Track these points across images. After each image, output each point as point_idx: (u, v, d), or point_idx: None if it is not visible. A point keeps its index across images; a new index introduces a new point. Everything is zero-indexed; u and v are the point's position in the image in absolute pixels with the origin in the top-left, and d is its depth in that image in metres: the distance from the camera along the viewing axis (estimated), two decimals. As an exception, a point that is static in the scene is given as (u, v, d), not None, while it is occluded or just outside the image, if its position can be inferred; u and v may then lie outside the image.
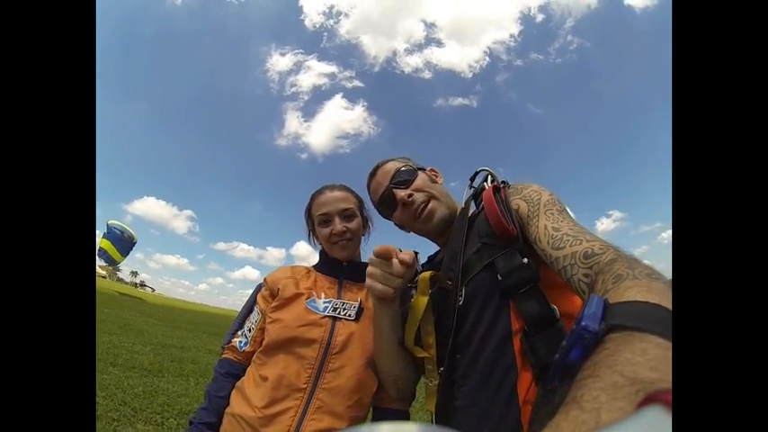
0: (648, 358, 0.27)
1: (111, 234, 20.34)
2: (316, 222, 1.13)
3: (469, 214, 0.86)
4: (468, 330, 0.76)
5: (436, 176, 1.00)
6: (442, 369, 0.78)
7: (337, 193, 1.13)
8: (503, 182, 0.86)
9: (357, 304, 1.05)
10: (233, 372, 1.08)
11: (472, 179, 0.94)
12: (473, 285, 0.77)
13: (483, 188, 0.87)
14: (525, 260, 0.70)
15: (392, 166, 0.96)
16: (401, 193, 0.91)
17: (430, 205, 0.90)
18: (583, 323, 0.35)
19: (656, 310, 0.34)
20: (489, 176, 0.88)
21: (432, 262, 0.96)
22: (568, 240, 0.62)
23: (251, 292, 1.21)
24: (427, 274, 0.79)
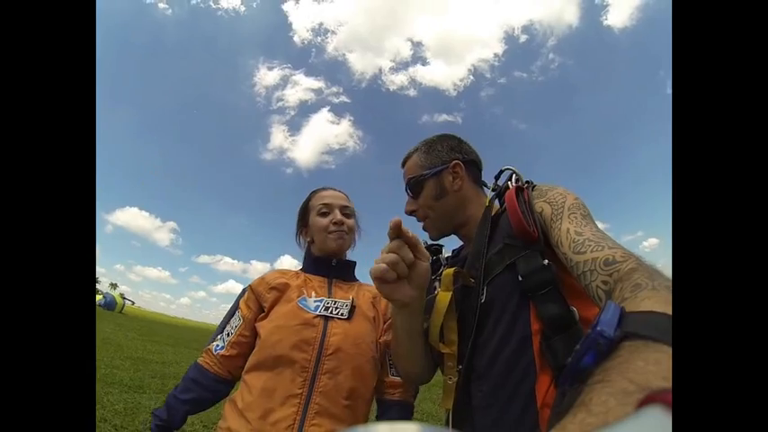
0: (662, 368, 0.27)
1: (107, 299, 23.12)
2: (314, 213, 1.15)
3: (494, 212, 0.85)
4: (489, 330, 0.75)
5: (453, 180, 0.91)
6: (461, 367, 0.77)
7: (339, 193, 1.20)
8: (527, 182, 0.86)
9: (349, 303, 1.04)
10: (198, 379, 1.06)
11: (497, 177, 0.93)
12: (495, 285, 0.77)
13: (507, 187, 0.85)
14: (546, 262, 0.70)
15: (408, 170, 0.97)
16: (407, 207, 0.96)
17: (423, 224, 0.94)
18: (598, 328, 0.35)
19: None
20: (513, 175, 0.88)
21: (456, 257, 0.96)
22: (590, 246, 0.61)
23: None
24: (450, 270, 0.79)
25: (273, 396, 0.92)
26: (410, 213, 0.95)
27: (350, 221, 1.15)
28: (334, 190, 1.20)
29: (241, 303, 1.11)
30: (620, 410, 0.24)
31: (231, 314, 1.12)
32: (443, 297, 0.78)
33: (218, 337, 1.10)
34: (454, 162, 0.91)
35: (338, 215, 1.12)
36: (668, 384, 0.25)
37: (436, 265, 0.95)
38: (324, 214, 1.13)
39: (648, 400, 0.19)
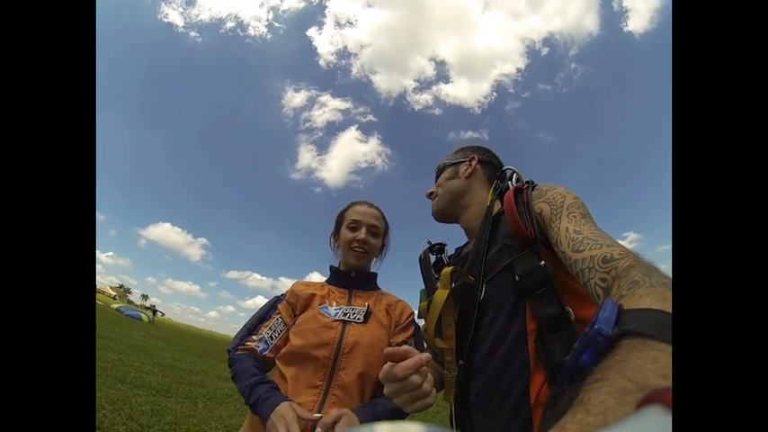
0: (660, 366, 0.27)
1: (134, 316, 23.40)
2: (344, 224, 1.25)
3: (495, 212, 0.87)
4: (486, 327, 0.78)
5: (465, 169, 0.99)
6: (461, 362, 0.80)
7: (374, 211, 1.27)
8: (527, 182, 0.86)
9: (365, 309, 1.15)
10: (253, 358, 1.11)
11: (498, 177, 0.95)
12: (493, 284, 0.79)
13: (508, 187, 0.86)
14: (542, 263, 0.70)
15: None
16: (428, 190, 1.07)
17: (432, 202, 1.04)
18: (596, 326, 0.34)
19: (671, 319, 0.33)
20: (514, 175, 0.89)
21: (459, 255, 1.00)
22: (588, 244, 0.61)
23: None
24: (449, 269, 0.82)
25: (298, 383, 1.04)
26: (428, 196, 1.06)
27: (374, 241, 1.23)
28: (370, 206, 1.27)
29: (282, 312, 1.19)
30: (618, 410, 0.24)
31: (263, 317, 1.19)
32: (441, 294, 0.81)
33: (255, 337, 1.15)
34: (471, 156, 1.01)
35: (363, 234, 1.20)
36: (667, 382, 0.25)
37: (440, 264, 1.00)
38: (352, 229, 1.22)
39: (648, 399, 0.19)
